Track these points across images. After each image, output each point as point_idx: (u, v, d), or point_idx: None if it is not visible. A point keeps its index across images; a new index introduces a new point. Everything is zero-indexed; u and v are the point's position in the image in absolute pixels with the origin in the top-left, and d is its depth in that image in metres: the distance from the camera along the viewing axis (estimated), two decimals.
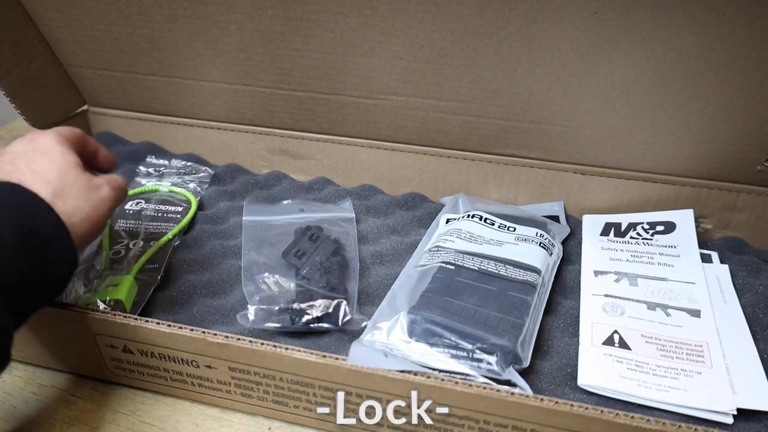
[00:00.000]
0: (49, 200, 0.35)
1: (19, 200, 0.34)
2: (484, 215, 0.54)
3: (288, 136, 0.65)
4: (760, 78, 0.46)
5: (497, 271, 0.47)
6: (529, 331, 0.43)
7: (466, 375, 0.39)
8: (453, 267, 0.47)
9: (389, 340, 0.41)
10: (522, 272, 0.47)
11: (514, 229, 0.53)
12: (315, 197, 0.62)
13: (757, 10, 0.42)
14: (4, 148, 0.39)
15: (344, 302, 0.45)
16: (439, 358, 0.40)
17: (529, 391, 0.36)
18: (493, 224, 0.53)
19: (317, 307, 0.44)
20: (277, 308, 0.44)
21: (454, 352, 0.40)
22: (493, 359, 0.39)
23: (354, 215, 0.57)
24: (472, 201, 0.58)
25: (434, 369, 0.39)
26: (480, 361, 0.39)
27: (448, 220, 0.55)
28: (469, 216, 0.54)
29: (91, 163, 0.45)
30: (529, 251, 0.50)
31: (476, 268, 0.47)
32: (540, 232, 0.52)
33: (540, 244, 0.50)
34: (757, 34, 0.44)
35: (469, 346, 0.40)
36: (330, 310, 0.44)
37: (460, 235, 0.51)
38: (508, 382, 0.39)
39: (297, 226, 0.54)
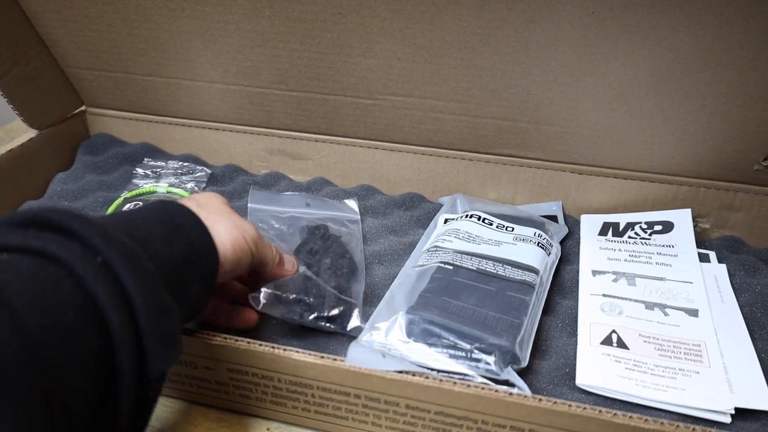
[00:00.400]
0: (193, 209, 0.38)
1: (166, 206, 0.37)
2: (482, 215, 0.54)
3: (286, 136, 0.65)
4: (758, 77, 0.46)
5: (495, 271, 0.47)
6: (528, 331, 0.43)
7: (465, 375, 0.39)
8: (451, 267, 0.47)
9: (387, 341, 0.41)
10: (520, 272, 0.47)
11: (513, 229, 0.53)
12: None
13: (754, 9, 0.43)
14: None
15: (356, 308, 0.45)
16: (437, 358, 0.40)
17: (528, 391, 0.37)
18: (491, 224, 0.53)
19: (329, 307, 0.44)
20: (292, 296, 0.44)
21: (452, 352, 0.40)
22: (491, 359, 0.39)
23: (359, 216, 0.57)
24: (470, 201, 0.58)
25: (432, 369, 0.39)
26: (478, 361, 0.39)
27: (446, 220, 0.55)
28: (467, 216, 0.54)
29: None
30: (527, 251, 0.50)
31: (474, 268, 0.47)
32: (538, 232, 0.52)
33: (538, 244, 0.51)
34: (755, 34, 0.44)
35: (468, 346, 0.40)
36: (338, 312, 0.44)
37: (459, 235, 0.51)
38: (507, 382, 0.39)
39: (304, 222, 0.53)
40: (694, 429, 0.33)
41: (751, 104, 0.48)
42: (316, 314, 0.44)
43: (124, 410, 0.27)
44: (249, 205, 0.55)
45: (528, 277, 0.47)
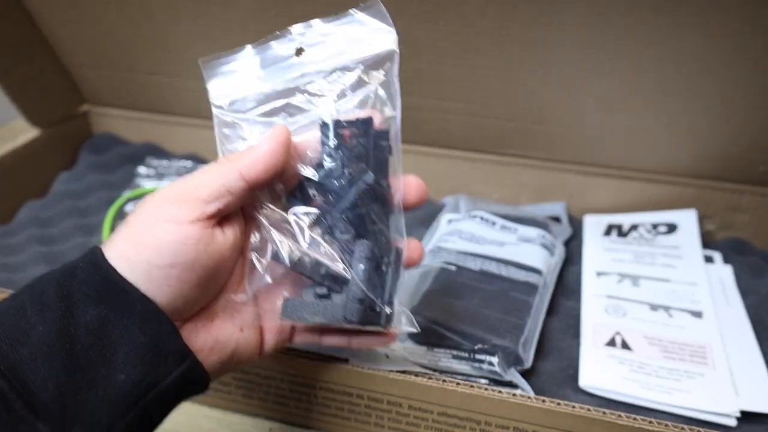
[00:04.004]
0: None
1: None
2: (486, 216, 0.53)
3: None
4: (763, 78, 0.46)
5: (499, 272, 0.47)
6: (531, 332, 0.43)
7: (468, 376, 0.39)
8: (455, 268, 0.47)
9: None
10: (523, 273, 0.47)
11: (516, 229, 0.52)
12: None
13: (760, 10, 0.42)
14: None
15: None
16: (440, 359, 0.40)
17: (531, 392, 0.36)
18: (494, 225, 0.53)
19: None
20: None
21: (455, 353, 0.40)
22: (494, 360, 0.39)
23: (395, 37, 0.33)
24: (473, 201, 0.58)
25: (436, 370, 0.39)
26: (482, 362, 0.39)
27: (449, 221, 0.55)
28: (470, 216, 0.53)
29: None
30: (530, 252, 0.49)
31: (478, 269, 0.47)
32: (542, 233, 0.52)
33: (542, 245, 0.50)
34: (760, 35, 0.44)
35: (471, 347, 0.40)
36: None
37: (462, 235, 0.51)
38: (510, 383, 0.38)
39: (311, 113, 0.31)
40: (699, 431, 0.32)
41: (757, 105, 0.48)
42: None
43: None
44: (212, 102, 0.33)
45: (531, 278, 0.47)
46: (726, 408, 0.38)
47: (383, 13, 0.31)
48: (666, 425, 0.33)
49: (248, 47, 0.32)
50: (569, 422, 0.34)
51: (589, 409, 0.33)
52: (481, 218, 0.53)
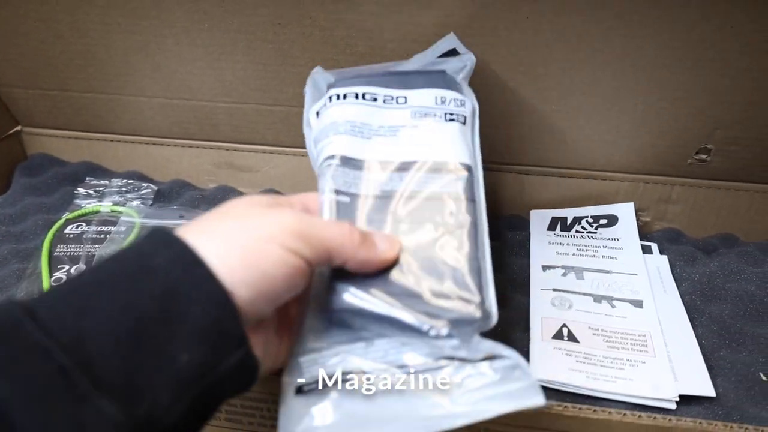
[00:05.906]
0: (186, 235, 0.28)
1: (145, 246, 0.27)
2: (361, 90, 0.38)
3: (233, 149, 0.64)
4: (685, 75, 0.48)
5: (406, 188, 0.33)
6: (484, 271, 0.32)
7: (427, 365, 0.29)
8: (348, 198, 0.33)
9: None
10: (439, 177, 0.33)
11: (405, 99, 0.38)
12: None
13: (679, 11, 0.45)
14: None
15: None
16: (387, 353, 0.30)
17: (518, 358, 0.30)
18: (375, 100, 0.38)
19: None
20: None
21: (404, 339, 0.29)
22: (455, 342, 0.29)
23: None
24: (332, 73, 0.42)
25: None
26: (440, 346, 0.29)
27: (317, 114, 0.39)
28: (341, 96, 0.38)
29: None
30: (440, 139, 0.36)
31: (378, 193, 0.33)
32: (440, 94, 0.38)
33: (447, 117, 0.37)
34: (680, 35, 0.46)
35: (420, 330, 0.29)
36: None
37: (339, 129, 0.37)
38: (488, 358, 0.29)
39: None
40: (640, 416, 0.34)
41: (681, 101, 0.50)
42: None
43: None
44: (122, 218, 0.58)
45: (454, 182, 0.33)
46: (666, 393, 0.40)
47: None
48: (609, 413, 0.34)
49: None
50: (516, 416, 0.35)
51: None
52: (356, 95, 0.38)
